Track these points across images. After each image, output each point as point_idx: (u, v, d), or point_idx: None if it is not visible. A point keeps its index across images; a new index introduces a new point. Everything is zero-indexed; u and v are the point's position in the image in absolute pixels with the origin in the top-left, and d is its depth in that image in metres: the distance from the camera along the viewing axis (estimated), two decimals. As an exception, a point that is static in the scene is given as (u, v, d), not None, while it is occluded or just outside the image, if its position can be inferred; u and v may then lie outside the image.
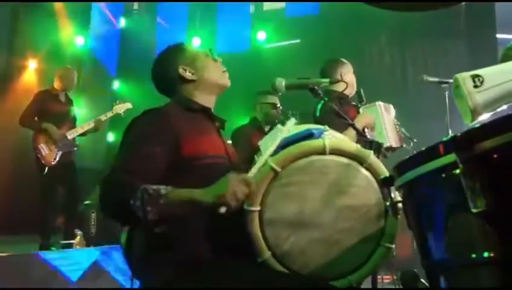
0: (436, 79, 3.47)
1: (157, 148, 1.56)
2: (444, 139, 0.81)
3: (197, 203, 1.41)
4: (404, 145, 3.27)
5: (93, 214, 4.29)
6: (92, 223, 4.26)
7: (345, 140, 1.65)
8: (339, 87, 3.22)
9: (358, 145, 1.57)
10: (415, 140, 4.29)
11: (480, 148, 0.78)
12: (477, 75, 1.33)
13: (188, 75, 1.82)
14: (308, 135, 1.58)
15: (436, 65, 5.58)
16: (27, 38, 6.89)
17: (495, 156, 0.77)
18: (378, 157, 2.10)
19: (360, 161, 1.52)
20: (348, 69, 3.37)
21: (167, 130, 1.60)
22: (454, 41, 5.80)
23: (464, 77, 1.34)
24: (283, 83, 2.04)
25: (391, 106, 3.33)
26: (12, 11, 6.77)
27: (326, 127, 1.73)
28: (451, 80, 3.42)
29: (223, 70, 1.87)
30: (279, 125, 1.84)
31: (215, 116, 1.85)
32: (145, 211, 1.38)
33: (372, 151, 1.54)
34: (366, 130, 2.98)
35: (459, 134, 0.79)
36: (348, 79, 3.19)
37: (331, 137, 1.61)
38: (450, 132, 3.47)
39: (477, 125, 0.78)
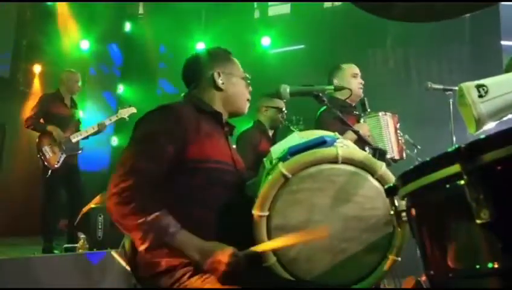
0: (441, 86, 3.47)
1: (168, 147, 1.56)
2: (449, 150, 0.81)
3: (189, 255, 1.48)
4: (404, 157, 3.25)
5: (100, 218, 4.29)
6: (99, 226, 4.27)
7: (357, 149, 1.65)
8: (343, 94, 3.23)
9: (370, 155, 1.57)
10: (418, 147, 4.29)
11: (484, 159, 0.78)
12: (482, 85, 1.33)
13: (218, 81, 1.85)
14: (321, 143, 1.58)
15: (440, 72, 5.58)
16: (33, 42, 6.94)
17: (500, 167, 0.77)
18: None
19: (371, 171, 1.52)
20: (343, 73, 3.35)
21: (178, 130, 1.61)
22: (459, 47, 5.80)
23: (469, 87, 1.34)
24: (288, 90, 2.05)
25: (396, 115, 3.31)
26: (19, 16, 6.82)
27: (337, 134, 1.74)
28: (455, 88, 3.45)
29: (248, 98, 1.92)
30: (295, 133, 1.84)
31: (225, 122, 1.87)
32: (146, 237, 1.40)
33: (384, 163, 1.54)
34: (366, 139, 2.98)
35: (463, 145, 0.79)
36: (343, 83, 3.19)
37: (343, 145, 1.61)
38: (454, 138, 3.46)
39: (482, 136, 0.78)
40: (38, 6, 7.10)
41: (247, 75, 1.95)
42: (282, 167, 1.49)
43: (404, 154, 3.24)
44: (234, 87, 1.87)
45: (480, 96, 1.33)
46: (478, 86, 1.34)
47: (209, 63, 1.89)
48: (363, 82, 3.39)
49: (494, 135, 0.78)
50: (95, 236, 4.28)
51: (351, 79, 3.32)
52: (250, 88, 1.94)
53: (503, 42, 5.82)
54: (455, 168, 0.80)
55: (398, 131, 3.26)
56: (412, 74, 5.97)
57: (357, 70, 3.40)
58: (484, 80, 1.38)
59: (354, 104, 3.39)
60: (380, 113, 3.20)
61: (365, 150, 2.11)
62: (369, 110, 3.11)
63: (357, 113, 3.21)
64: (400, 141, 3.23)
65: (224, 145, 1.80)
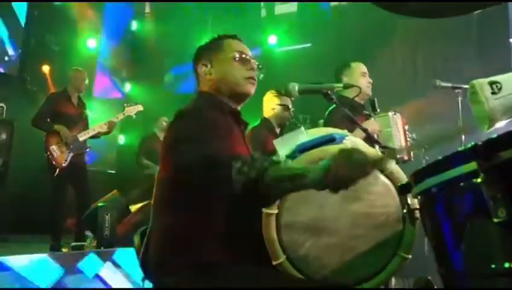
0: (449, 84, 3.44)
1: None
2: (464, 147, 0.80)
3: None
4: (412, 158, 3.22)
5: (107, 216, 4.31)
6: (106, 225, 4.28)
7: (366, 146, 1.64)
8: (351, 93, 3.19)
9: (379, 152, 1.56)
10: (426, 146, 4.26)
11: (502, 157, 0.77)
12: (495, 82, 1.31)
13: (206, 72, 1.78)
14: (330, 140, 1.56)
15: (448, 70, 5.53)
16: (41, 40, 6.97)
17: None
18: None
19: (381, 168, 1.51)
20: (352, 71, 3.31)
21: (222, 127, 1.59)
22: (466, 46, 5.75)
23: (482, 83, 1.33)
24: (296, 88, 2.04)
25: (404, 117, 3.29)
26: (27, 14, 6.84)
27: (346, 132, 1.72)
28: (464, 86, 3.42)
29: (246, 75, 1.75)
30: (302, 128, 1.82)
31: (242, 120, 1.81)
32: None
33: (393, 160, 1.53)
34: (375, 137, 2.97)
35: (480, 143, 0.78)
36: (352, 81, 3.15)
37: (352, 142, 1.59)
38: (463, 137, 3.43)
39: (498, 134, 0.77)
40: (47, 5, 7.12)
41: (245, 53, 1.78)
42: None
43: (412, 155, 3.22)
44: (222, 68, 1.76)
45: (494, 92, 1.31)
46: (491, 83, 1.33)
47: (198, 58, 1.83)
48: (371, 81, 3.36)
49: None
50: (102, 234, 4.29)
51: (360, 77, 3.28)
52: (253, 65, 1.77)
53: (511, 40, 5.77)
54: (471, 165, 0.79)
55: (407, 132, 3.24)
56: (420, 72, 5.93)
57: (365, 68, 3.37)
58: (497, 76, 1.37)
59: (363, 103, 3.36)
60: (390, 113, 3.16)
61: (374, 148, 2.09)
62: (378, 110, 3.09)
63: (366, 112, 3.19)
64: (408, 142, 3.21)
65: (243, 142, 1.78)
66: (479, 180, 0.77)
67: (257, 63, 1.81)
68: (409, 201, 1.03)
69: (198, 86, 1.85)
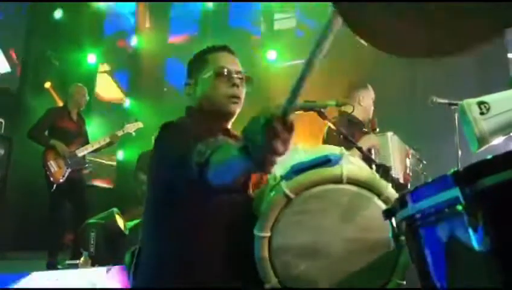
0: (446, 101, 3.43)
1: None
2: (447, 173, 0.78)
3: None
4: (409, 184, 3.23)
5: (92, 234, 4.28)
6: (91, 242, 4.25)
7: (363, 168, 1.62)
8: (350, 109, 3.21)
9: (377, 175, 1.53)
10: (424, 162, 4.25)
11: (484, 184, 0.75)
12: (483, 102, 1.31)
13: (189, 93, 1.77)
14: (325, 161, 1.53)
15: (446, 85, 5.52)
16: (41, 56, 7.02)
17: (499, 192, 0.75)
18: (386, 181, 2.08)
19: (377, 192, 1.48)
20: (368, 94, 3.41)
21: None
22: (464, 61, 5.76)
23: (470, 104, 1.32)
24: (289, 106, 2.03)
25: (410, 150, 3.32)
26: (28, 30, 6.90)
27: (343, 150, 1.69)
28: (461, 102, 3.42)
29: (227, 94, 1.69)
30: (298, 146, 1.80)
31: (234, 134, 1.76)
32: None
33: (389, 184, 1.51)
34: (372, 152, 2.96)
35: (461, 169, 0.77)
36: (364, 104, 3.21)
37: (349, 163, 1.56)
38: (460, 153, 3.42)
39: (482, 159, 0.76)
40: (47, 21, 7.19)
41: (228, 68, 1.71)
42: (285, 187, 1.46)
43: (409, 185, 3.22)
44: (204, 87, 1.71)
45: (482, 113, 1.31)
46: (480, 103, 1.32)
47: (186, 76, 1.81)
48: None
49: (494, 158, 0.76)
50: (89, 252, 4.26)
51: (371, 101, 3.38)
52: (235, 81, 1.69)
53: (510, 55, 5.79)
54: (454, 192, 0.78)
55: (408, 165, 3.24)
56: (418, 88, 5.92)
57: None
58: (486, 96, 1.36)
59: (363, 121, 3.40)
60: (389, 133, 3.19)
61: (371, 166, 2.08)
62: (378, 129, 3.12)
63: (365, 130, 3.22)
64: (407, 169, 3.22)
65: None
66: (460, 207, 0.76)
67: (241, 77, 1.74)
68: (396, 225, 1.01)
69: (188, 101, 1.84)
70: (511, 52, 5.76)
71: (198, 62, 1.80)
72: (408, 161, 3.25)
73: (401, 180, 3.09)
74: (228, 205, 1.59)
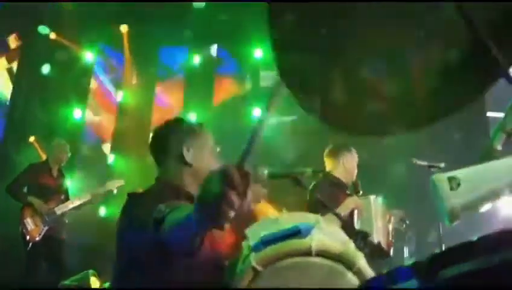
0: (425, 163, 3.48)
1: None
2: (406, 264, 0.76)
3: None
4: (391, 254, 3.23)
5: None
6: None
7: (336, 238, 1.57)
8: (334, 172, 3.28)
9: (351, 244, 1.49)
10: (407, 222, 4.22)
11: (442, 276, 0.73)
12: (454, 178, 1.31)
13: (187, 158, 1.78)
14: (296, 232, 1.49)
15: (425, 144, 5.57)
16: (26, 111, 7.02)
17: (458, 284, 0.73)
18: (364, 247, 2.05)
19: (349, 265, 1.44)
20: (352, 157, 3.44)
21: None
22: (446, 122, 5.85)
23: (440, 179, 1.32)
24: (265, 172, 2.03)
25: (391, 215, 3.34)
26: (14, 85, 6.94)
27: (319, 219, 1.65)
28: (440, 164, 3.44)
29: None
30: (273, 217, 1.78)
31: None
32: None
33: (362, 255, 1.47)
34: (355, 214, 2.95)
35: (419, 261, 0.75)
36: (348, 166, 3.27)
37: (321, 234, 1.52)
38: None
39: (439, 251, 0.74)
40: (34, 76, 7.24)
41: (218, 149, 1.88)
42: (253, 260, 1.43)
43: (392, 252, 3.22)
44: (203, 161, 1.79)
45: (452, 188, 1.30)
46: (450, 179, 1.32)
47: (178, 138, 1.81)
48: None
49: (452, 249, 0.75)
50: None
51: (355, 164, 3.42)
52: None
53: (489, 114, 5.89)
54: (412, 283, 0.76)
55: (390, 230, 3.25)
56: (399, 148, 5.96)
57: None
58: (456, 171, 1.37)
59: (346, 184, 3.42)
60: (372, 197, 3.20)
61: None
62: (361, 192, 3.15)
63: (349, 193, 3.25)
64: (389, 235, 3.22)
65: None
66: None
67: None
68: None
69: (165, 164, 1.85)
70: (490, 110, 5.85)
71: (192, 132, 1.87)
72: (390, 227, 3.25)
73: (384, 245, 3.06)
74: (189, 270, 1.55)
